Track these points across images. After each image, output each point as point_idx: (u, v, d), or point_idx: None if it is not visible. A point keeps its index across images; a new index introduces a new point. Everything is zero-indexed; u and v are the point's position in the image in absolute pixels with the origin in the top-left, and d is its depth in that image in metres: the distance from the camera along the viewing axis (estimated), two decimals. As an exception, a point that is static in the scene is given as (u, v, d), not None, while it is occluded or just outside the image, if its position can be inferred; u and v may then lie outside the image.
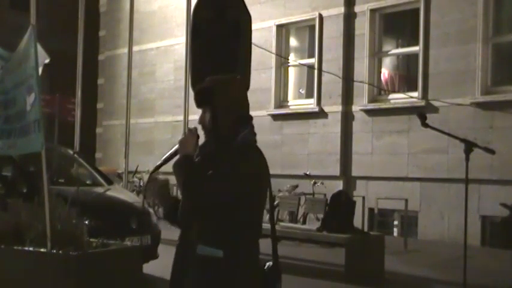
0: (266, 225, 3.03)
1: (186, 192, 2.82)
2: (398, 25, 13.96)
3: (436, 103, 11.81)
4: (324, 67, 13.54)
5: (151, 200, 3.07)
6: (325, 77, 13.53)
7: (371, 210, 12.37)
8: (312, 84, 14.14)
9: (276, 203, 10.46)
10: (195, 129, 2.98)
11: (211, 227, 2.82)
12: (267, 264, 3.02)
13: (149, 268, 7.41)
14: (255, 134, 2.96)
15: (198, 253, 2.84)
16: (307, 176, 12.78)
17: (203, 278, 2.83)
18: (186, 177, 2.83)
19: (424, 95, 12.09)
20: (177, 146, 2.97)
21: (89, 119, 17.23)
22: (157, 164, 3.04)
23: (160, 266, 7.75)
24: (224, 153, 2.84)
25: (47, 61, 5.83)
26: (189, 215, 2.87)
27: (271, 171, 3.00)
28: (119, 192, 8.80)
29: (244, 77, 7.05)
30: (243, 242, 2.86)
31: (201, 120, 2.97)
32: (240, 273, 2.83)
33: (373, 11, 13.05)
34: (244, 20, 7.53)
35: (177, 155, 2.96)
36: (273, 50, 14.44)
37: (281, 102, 14.57)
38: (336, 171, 13.24)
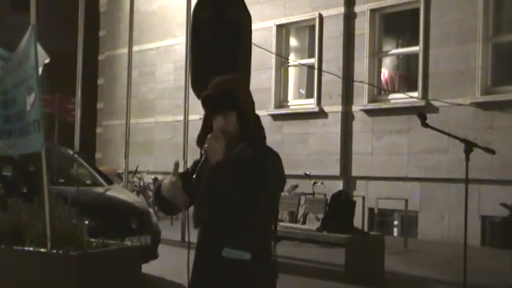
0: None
1: (223, 197, 2.76)
2: (398, 25, 13.96)
3: (436, 103, 11.81)
4: (324, 67, 13.54)
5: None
6: (325, 77, 13.53)
7: (371, 210, 12.37)
8: (312, 84, 14.14)
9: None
10: (219, 133, 2.86)
11: (240, 228, 2.79)
12: None
13: (149, 268, 7.41)
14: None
15: (223, 255, 2.80)
16: (307, 176, 12.79)
17: (229, 281, 2.81)
18: (225, 183, 2.76)
19: (424, 95, 12.09)
20: (204, 156, 2.87)
21: (89, 119, 17.23)
22: (194, 177, 2.92)
23: (160, 266, 7.76)
24: (255, 154, 2.81)
25: (47, 61, 5.83)
26: (237, 216, 2.80)
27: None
28: (119, 192, 8.81)
29: (244, 77, 7.06)
30: (265, 243, 2.87)
31: (221, 126, 2.87)
32: (265, 275, 2.84)
33: (373, 11, 13.05)
34: (244, 20, 7.54)
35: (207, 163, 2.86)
36: (273, 50, 14.44)
37: (281, 102, 14.58)
38: (336, 171, 13.24)
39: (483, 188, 10.97)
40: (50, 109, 14.27)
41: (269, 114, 14.19)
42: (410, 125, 12.06)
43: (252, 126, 2.89)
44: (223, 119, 2.87)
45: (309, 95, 14.52)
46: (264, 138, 2.94)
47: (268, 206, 2.83)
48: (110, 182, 9.06)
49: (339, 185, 12.83)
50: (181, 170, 3.03)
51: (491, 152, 6.25)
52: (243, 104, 2.87)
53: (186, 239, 3.00)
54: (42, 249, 4.92)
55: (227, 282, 2.81)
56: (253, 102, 2.96)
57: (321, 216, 9.84)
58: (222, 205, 2.79)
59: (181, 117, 12.21)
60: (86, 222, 5.47)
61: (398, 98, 12.80)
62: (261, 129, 2.93)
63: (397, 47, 14.16)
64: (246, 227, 2.79)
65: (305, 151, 13.77)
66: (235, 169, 2.75)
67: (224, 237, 2.81)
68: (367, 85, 12.98)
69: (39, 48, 5.26)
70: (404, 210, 11.14)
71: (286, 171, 2.99)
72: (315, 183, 12.44)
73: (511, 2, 11.93)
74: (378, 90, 13.19)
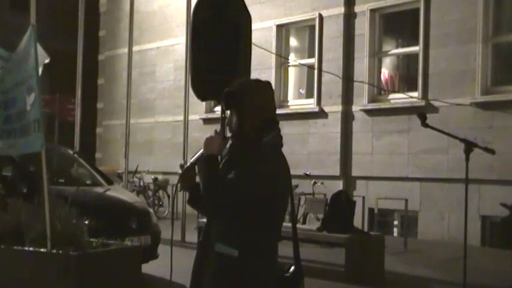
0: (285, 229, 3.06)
1: (206, 191, 2.86)
2: (398, 25, 13.95)
3: (436, 103, 11.81)
4: (324, 67, 13.54)
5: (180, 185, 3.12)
6: (325, 77, 13.53)
7: (371, 210, 12.36)
8: (312, 84, 14.13)
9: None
10: (222, 130, 3.02)
11: (229, 225, 2.88)
12: (290, 267, 3.05)
13: (149, 268, 7.40)
14: (281, 138, 3.01)
15: (215, 250, 2.89)
16: (307, 176, 12.79)
17: (220, 275, 2.89)
18: (207, 176, 2.87)
19: (424, 95, 12.08)
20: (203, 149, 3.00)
21: (89, 119, 17.24)
22: (187, 166, 3.06)
23: (160, 266, 7.76)
24: (248, 155, 2.89)
25: (47, 61, 5.83)
26: (208, 213, 2.95)
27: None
28: (119, 192, 8.80)
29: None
30: (260, 243, 2.90)
31: (229, 123, 3.01)
32: (255, 274, 2.88)
33: (373, 11, 13.05)
34: (244, 20, 7.54)
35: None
36: (273, 50, 14.44)
37: (281, 102, 14.57)
38: (336, 171, 13.24)
39: (483, 188, 10.97)
40: (50, 109, 14.29)
41: (269, 114, 14.17)
42: (410, 125, 12.06)
43: (247, 129, 2.95)
44: (230, 116, 3.01)
45: (309, 95, 14.52)
46: (257, 141, 2.93)
47: (259, 206, 2.84)
48: (110, 182, 9.05)
49: (339, 185, 12.83)
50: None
51: (491, 152, 6.25)
52: (244, 106, 2.95)
53: (185, 239, 3.02)
54: (42, 249, 4.92)
55: (219, 278, 2.89)
56: (260, 108, 2.99)
57: (321, 216, 9.83)
58: (213, 202, 2.88)
59: (181, 117, 12.20)
60: (86, 222, 5.47)
61: (398, 98, 12.80)
62: (258, 133, 2.94)
63: (397, 47, 14.16)
64: (237, 224, 2.86)
65: (305, 151, 13.77)
66: (217, 166, 2.91)
67: (217, 233, 2.91)
68: (367, 85, 12.98)
69: (39, 48, 5.26)
70: (404, 210, 11.13)
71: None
72: (315, 183, 12.44)
73: (511, 2, 11.93)
74: (378, 90, 13.19)
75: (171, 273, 3.25)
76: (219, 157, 3.01)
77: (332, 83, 13.37)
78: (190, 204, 3.10)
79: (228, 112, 3.03)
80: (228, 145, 3.02)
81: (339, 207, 8.59)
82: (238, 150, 2.97)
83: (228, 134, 3.05)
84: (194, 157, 3.02)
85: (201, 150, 2.98)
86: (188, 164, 3.05)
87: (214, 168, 2.90)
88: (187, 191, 3.07)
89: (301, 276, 3.06)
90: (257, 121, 2.95)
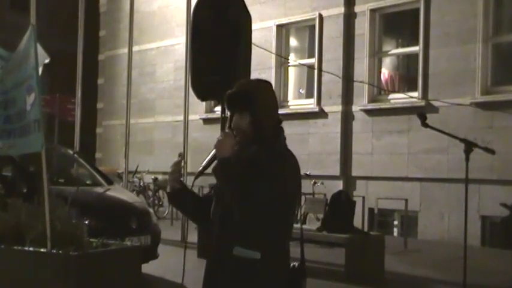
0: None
1: (229, 194, 2.83)
2: (398, 25, 13.95)
3: (436, 103, 11.81)
4: (324, 67, 13.55)
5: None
6: (325, 77, 13.53)
7: (371, 210, 12.37)
8: (312, 84, 14.14)
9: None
10: (231, 131, 2.94)
11: (248, 228, 2.83)
12: (293, 264, 3.06)
13: (149, 268, 7.41)
14: (285, 138, 3.00)
15: (234, 254, 2.85)
16: (307, 176, 12.78)
17: (239, 278, 2.85)
18: (227, 181, 2.83)
19: (424, 95, 12.09)
20: (214, 151, 2.91)
21: (89, 119, 17.24)
22: (199, 170, 2.99)
23: (161, 266, 7.76)
24: (264, 155, 2.85)
25: (46, 61, 5.82)
26: (234, 216, 2.85)
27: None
28: (119, 192, 8.80)
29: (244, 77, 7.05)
30: (278, 243, 2.91)
31: (237, 124, 2.94)
32: (274, 274, 2.87)
33: (373, 11, 13.05)
34: (244, 20, 7.55)
35: (215, 159, 2.90)
36: (273, 50, 14.44)
37: (281, 102, 14.57)
38: (336, 171, 13.24)
39: (483, 188, 10.97)
40: (50, 109, 14.29)
41: (269, 114, 14.16)
42: (410, 125, 12.06)
43: (264, 129, 2.92)
44: (239, 118, 2.94)
45: (309, 95, 14.53)
46: (274, 141, 2.93)
47: (278, 207, 2.84)
48: (110, 182, 9.06)
49: (339, 185, 12.83)
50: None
51: (491, 152, 6.25)
52: (258, 106, 2.91)
53: (186, 239, 3.02)
54: (42, 249, 4.92)
55: (238, 281, 2.86)
56: (272, 108, 3.00)
57: (321, 216, 9.83)
58: (228, 203, 2.85)
59: (181, 117, 12.21)
60: (86, 222, 5.46)
61: (398, 98, 12.80)
62: (274, 133, 2.94)
63: (397, 47, 14.15)
64: (256, 227, 2.83)
65: (305, 151, 13.76)
66: (237, 167, 2.81)
67: (235, 236, 2.86)
68: (367, 85, 12.99)
69: (39, 48, 5.25)
70: (405, 210, 11.13)
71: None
72: (315, 183, 12.44)
73: (511, 2, 11.93)
74: (378, 90, 13.19)
75: (183, 277, 3.22)
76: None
77: (332, 83, 13.37)
78: (173, 205, 3.09)
79: (229, 113, 2.99)
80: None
81: (339, 207, 8.59)
82: (252, 151, 2.91)
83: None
84: (206, 159, 2.95)
85: (213, 152, 2.91)
86: (200, 167, 2.97)
87: (232, 172, 2.82)
88: (175, 190, 3.11)
89: (304, 273, 3.07)
90: (272, 120, 2.95)
